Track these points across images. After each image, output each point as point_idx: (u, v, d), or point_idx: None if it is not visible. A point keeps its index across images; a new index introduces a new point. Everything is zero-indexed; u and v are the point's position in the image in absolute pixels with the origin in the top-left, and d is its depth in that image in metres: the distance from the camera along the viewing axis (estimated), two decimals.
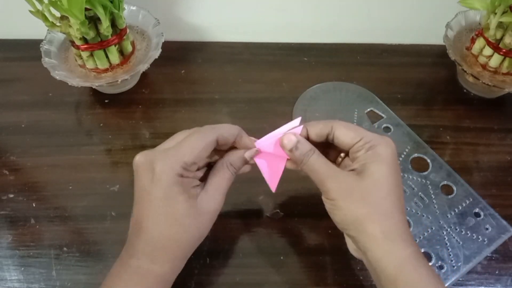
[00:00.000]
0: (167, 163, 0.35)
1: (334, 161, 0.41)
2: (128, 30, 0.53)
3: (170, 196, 0.35)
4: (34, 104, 0.55)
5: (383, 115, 0.54)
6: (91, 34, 0.48)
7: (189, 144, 0.36)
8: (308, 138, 0.39)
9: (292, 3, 0.59)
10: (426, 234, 0.44)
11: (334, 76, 0.58)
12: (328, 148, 0.41)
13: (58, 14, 0.48)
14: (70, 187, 0.48)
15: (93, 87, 0.55)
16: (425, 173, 0.49)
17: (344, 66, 0.60)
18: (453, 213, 0.46)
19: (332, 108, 0.54)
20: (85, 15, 0.46)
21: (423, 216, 0.46)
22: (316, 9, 0.60)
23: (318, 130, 0.39)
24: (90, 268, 0.43)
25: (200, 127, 0.38)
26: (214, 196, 0.37)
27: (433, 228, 0.45)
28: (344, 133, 0.38)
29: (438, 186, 0.48)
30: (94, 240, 0.44)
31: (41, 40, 0.52)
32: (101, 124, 0.53)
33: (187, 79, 0.58)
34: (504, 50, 0.50)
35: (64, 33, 0.49)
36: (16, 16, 0.54)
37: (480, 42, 0.52)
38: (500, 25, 0.49)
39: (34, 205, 0.47)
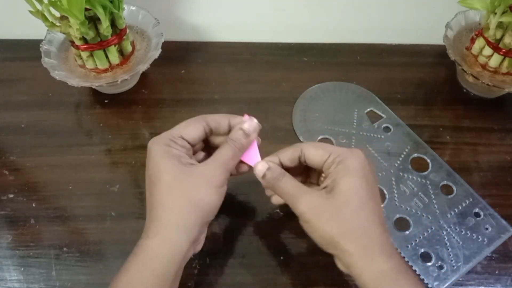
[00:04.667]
0: (158, 138, 0.38)
1: (317, 183, 0.41)
2: (128, 30, 0.53)
3: (159, 162, 0.36)
4: (34, 104, 0.55)
5: (383, 115, 0.54)
6: (91, 34, 0.48)
7: (180, 124, 0.39)
8: (282, 165, 0.39)
9: (292, 3, 0.59)
10: (426, 234, 0.44)
11: (334, 76, 0.58)
12: (310, 171, 0.42)
13: (58, 14, 0.48)
14: (70, 187, 0.48)
15: (93, 87, 0.55)
16: (425, 173, 0.49)
17: (344, 66, 0.60)
18: (453, 213, 0.46)
19: (332, 108, 0.54)
20: (85, 15, 0.46)
21: (423, 216, 0.46)
22: (316, 9, 0.60)
23: (289, 155, 0.39)
24: (90, 268, 0.43)
25: None
26: (211, 165, 0.37)
27: (433, 228, 0.45)
28: (313, 153, 0.38)
29: (438, 186, 0.48)
30: (94, 240, 0.44)
31: (41, 40, 0.52)
32: (101, 124, 0.53)
33: (187, 79, 0.58)
34: (504, 50, 0.50)
35: (64, 33, 0.49)
36: (16, 16, 0.54)
37: (480, 42, 0.52)
38: (500, 25, 0.49)
39: (34, 205, 0.47)
